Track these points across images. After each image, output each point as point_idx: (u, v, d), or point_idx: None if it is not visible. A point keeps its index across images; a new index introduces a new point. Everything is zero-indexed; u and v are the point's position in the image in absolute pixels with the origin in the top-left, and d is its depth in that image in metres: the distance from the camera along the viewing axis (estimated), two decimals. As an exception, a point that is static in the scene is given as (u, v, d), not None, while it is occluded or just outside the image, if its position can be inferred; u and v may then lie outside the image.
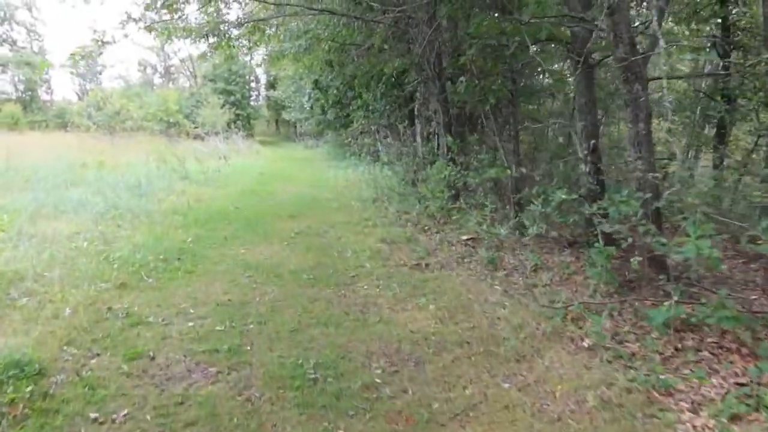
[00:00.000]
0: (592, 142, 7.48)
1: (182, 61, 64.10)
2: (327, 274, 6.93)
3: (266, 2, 11.12)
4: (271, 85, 47.47)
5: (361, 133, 22.47)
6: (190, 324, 5.14)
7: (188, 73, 62.90)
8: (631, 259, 5.05)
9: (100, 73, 66.76)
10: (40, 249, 7.36)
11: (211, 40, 12.11)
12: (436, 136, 13.99)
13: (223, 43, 11.96)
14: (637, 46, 5.92)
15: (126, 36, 8.92)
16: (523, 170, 7.79)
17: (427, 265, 7.29)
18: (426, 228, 9.71)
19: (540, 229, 6.79)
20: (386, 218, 10.71)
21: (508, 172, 7.98)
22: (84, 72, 66.13)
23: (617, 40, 5.65)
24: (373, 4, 10.55)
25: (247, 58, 52.08)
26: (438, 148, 12.94)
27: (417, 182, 13.44)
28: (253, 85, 52.06)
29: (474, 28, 7.64)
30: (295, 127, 50.27)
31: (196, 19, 11.15)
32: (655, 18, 4.86)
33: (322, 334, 5.01)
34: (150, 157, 18.21)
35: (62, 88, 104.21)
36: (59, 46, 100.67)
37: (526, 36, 6.78)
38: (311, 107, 25.69)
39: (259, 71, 55.38)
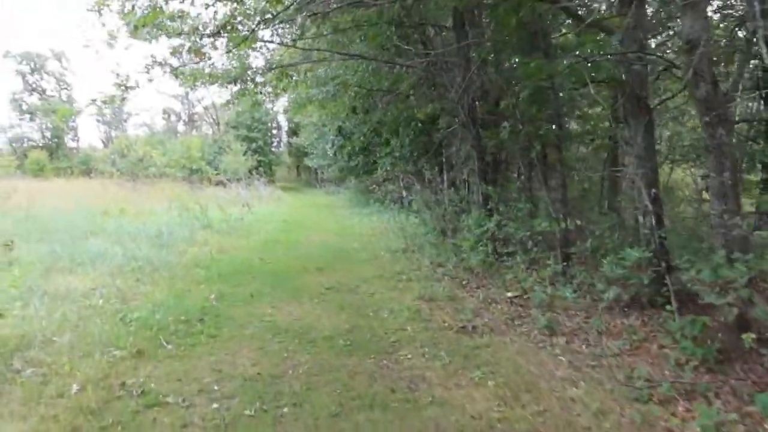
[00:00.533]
0: (653, 191, 6.76)
1: (206, 108, 64.92)
2: (365, 339, 6.17)
3: (296, 47, 10.70)
4: (293, 132, 47.61)
5: (385, 180, 21.99)
6: (215, 406, 4.39)
7: (211, 121, 63.63)
8: (744, 335, 4.25)
9: (126, 121, 67.85)
10: (51, 308, 6.74)
11: (237, 87, 11.72)
12: (467, 184, 13.36)
13: (250, 90, 11.54)
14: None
15: (150, 80, 8.50)
16: (578, 222, 7.05)
17: (474, 328, 6.51)
18: (465, 283, 8.95)
19: (616, 294, 6.01)
20: (420, 271, 9.98)
21: (562, 224, 7.24)
22: (110, 120, 67.23)
23: (697, 78, 4.98)
24: (407, 48, 10.06)
25: (270, 106, 52.58)
26: (469, 195, 12.28)
27: (449, 232, 12.75)
28: (274, 131, 52.28)
29: (522, 69, 7.05)
30: (316, 173, 50.19)
31: (222, 64, 10.77)
32: (765, 50, 4.16)
33: (368, 420, 4.22)
34: (172, 205, 17.78)
35: (89, 135, 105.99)
36: (87, 94, 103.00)
37: (583, 75, 6.14)
38: (335, 153, 25.30)
39: (281, 118, 55.92)
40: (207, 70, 10.63)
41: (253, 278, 9.42)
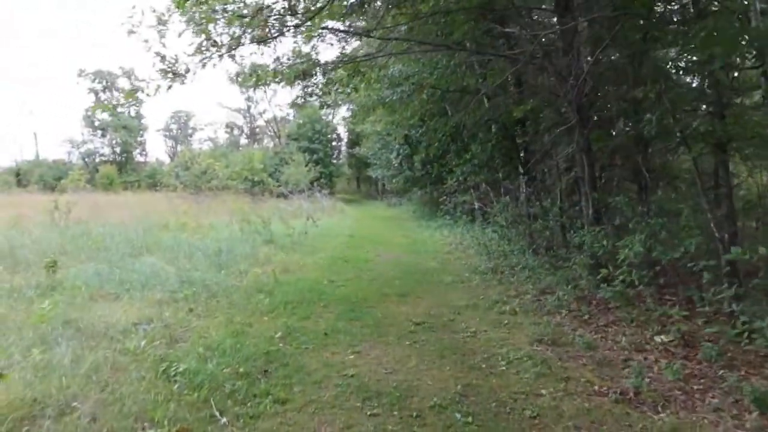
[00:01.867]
0: None
1: (267, 122, 64.79)
2: (489, 411, 4.34)
3: (371, 36, 9.06)
4: (354, 143, 46.30)
5: (455, 191, 20.17)
6: None
7: (272, 133, 63.32)
8: None
9: (191, 135, 68.50)
10: (80, 353, 5.22)
11: (303, 84, 10.15)
12: (560, 195, 11.38)
13: (319, 88, 9.97)
14: None
15: (203, 64, 6.98)
16: (764, 250, 5.05)
17: (638, 394, 4.59)
18: (587, 319, 7.03)
19: None
20: (523, 301, 8.11)
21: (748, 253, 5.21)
22: (176, 134, 68.00)
23: None
24: (509, 31, 8.25)
25: (330, 117, 51.62)
26: (569, 209, 10.31)
27: (542, 250, 10.79)
28: (334, 143, 51.16)
29: (693, 38, 5.15)
30: (376, 184, 48.75)
31: (288, 59, 9.22)
32: None
33: None
34: (233, 218, 16.45)
35: (156, 150, 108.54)
36: (155, 109, 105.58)
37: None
38: (400, 163, 23.66)
39: (341, 129, 54.88)
40: (271, 66, 9.11)
41: (325, 307, 7.77)
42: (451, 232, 17.78)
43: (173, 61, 6.89)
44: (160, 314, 6.69)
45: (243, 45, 7.05)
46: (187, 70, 6.94)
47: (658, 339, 5.92)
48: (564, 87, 8.49)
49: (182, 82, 7.09)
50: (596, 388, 4.75)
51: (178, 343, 5.87)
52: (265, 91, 54.97)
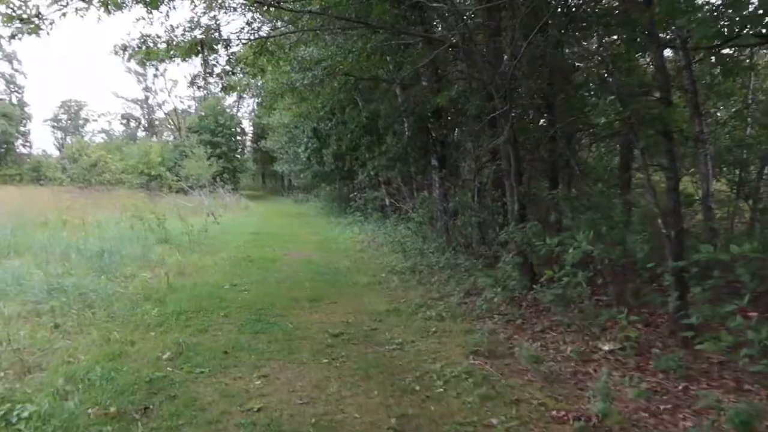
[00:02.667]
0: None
1: (167, 114, 61.31)
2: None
3: (283, 8, 7.93)
4: (260, 137, 44.33)
5: (365, 187, 19.36)
6: None
7: (173, 126, 59.96)
8: None
9: (83, 126, 63.54)
10: None
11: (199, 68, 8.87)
12: (477, 190, 10.77)
13: (223, 68, 8.72)
14: None
15: (63, 14, 5.55)
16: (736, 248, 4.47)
17: (601, 420, 3.85)
18: (523, 324, 6.33)
19: None
20: (449, 304, 7.31)
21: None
22: (65, 125, 62.89)
23: None
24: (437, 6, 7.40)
25: (235, 110, 49.36)
26: (491, 204, 9.69)
27: (460, 247, 10.12)
28: (239, 138, 48.80)
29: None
30: (283, 180, 47.13)
31: (185, 31, 7.90)
32: None
33: None
34: (124, 215, 14.67)
35: (43, 142, 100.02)
36: (42, 98, 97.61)
37: None
38: (308, 158, 22.47)
39: (246, 123, 52.72)
40: (163, 37, 7.78)
41: (225, 317, 6.61)
42: (362, 229, 16.89)
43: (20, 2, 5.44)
44: (12, 335, 5.26)
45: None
46: (38, 14, 5.50)
47: (604, 347, 5.28)
48: (492, 73, 7.78)
49: (34, 33, 5.61)
50: (553, 413, 3.96)
51: (32, 373, 4.54)
52: (156, 70, 51.73)
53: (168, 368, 4.76)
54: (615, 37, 7.37)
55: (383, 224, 16.34)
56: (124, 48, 8.51)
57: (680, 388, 4.36)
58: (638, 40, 5.74)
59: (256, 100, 34.46)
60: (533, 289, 6.97)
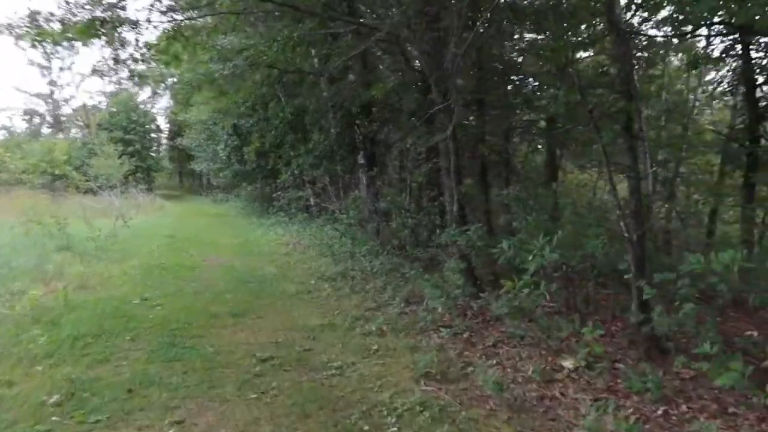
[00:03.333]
0: None
1: (75, 110, 57.15)
2: None
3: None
4: (176, 134, 41.98)
5: (289, 186, 18.42)
6: None
7: (81, 123, 56.02)
8: None
9: (-22, 122, 58.24)
10: None
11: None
12: (409, 189, 10.18)
13: (131, 54, 7.61)
14: None
15: None
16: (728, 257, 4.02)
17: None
18: (472, 338, 5.71)
19: None
20: (388, 316, 6.60)
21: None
22: (-42, 121, 57.53)
23: None
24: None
25: (150, 106, 46.63)
26: (428, 204, 9.09)
27: (401, 250, 9.47)
28: (153, 135, 46.04)
29: None
30: (201, 179, 44.98)
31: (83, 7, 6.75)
32: None
33: None
34: (18, 219, 13.00)
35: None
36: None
37: None
38: (228, 156, 21.21)
39: (161, 120, 49.97)
40: (57, 14, 6.61)
41: (132, 341, 5.59)
42: (287, 231, 15.92)
43: None
44: None
45: None
46: None
47: (566, 364, 4.73)
48: (431, 65, 7.14)
49: None
50: (530, 456, 3.35)
51: None
52: (62, 62, 48.13)
53: (54, 418, 3.77)
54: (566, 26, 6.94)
55: (309, 225, 15.45)
56: (10, 27, 7.25)
57: (660, 412, 3.87)
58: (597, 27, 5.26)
59: (172, 96, 32.44)
60: (479, 298, 6.42)
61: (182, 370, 4.75)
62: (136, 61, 8.20)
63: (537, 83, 8.98)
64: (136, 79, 8.92)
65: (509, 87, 9.70)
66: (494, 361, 5.00)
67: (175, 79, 16.90)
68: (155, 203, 26.84)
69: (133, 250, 11.89)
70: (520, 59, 9.39)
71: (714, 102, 14.61)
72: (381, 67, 10.77)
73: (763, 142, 10.81)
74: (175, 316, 6.54)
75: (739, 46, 10.99)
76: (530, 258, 4.67)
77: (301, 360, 5.11)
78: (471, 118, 9.68)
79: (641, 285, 4.64)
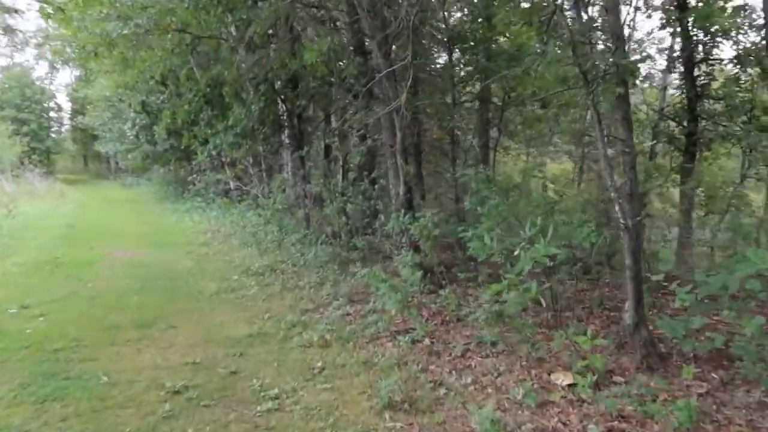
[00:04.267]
0: None
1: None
2: None
3: None
4: (78, 113, 38.40)
5: (206, 168, 16.77)
6: None
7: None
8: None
9: None
10: None
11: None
12: (344, 172, 9.08)
13: None
14: None
15: None
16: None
17: None
18: (435, 346, 4.70)
19: None
20: (328, 318, 5.49)
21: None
22: None
23: None
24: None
25: (47, 82, 42.52)
26: (355, 187, 8.00)
27: (336, 238, 8.33)
28: (53, 114, 41.97)
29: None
30: (108, 161, 41.54)
31: None
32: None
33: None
34: None
35: None
36: None
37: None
38: (136, 135, 19.17)
39: (62, 98, 45.78)
40: None
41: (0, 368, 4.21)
42: (204, 217, 14.38)
43: None
44: None
45: None
46: None
47: (560, 381, 3.82)
48: (373, 24, 6.02)
49: None
50: None
51: None
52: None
53: None
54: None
55: (229, 211, 13.95)
56: None
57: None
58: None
59: (74, 72, 29.38)
60: (437, 295, 5.44)
61: (60, 416, 3.45)
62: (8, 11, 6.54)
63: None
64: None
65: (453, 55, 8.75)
66: (469, 379, 4.02)
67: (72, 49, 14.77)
68: (55, 189, 24.12)
69: (21, 243, 10.10)
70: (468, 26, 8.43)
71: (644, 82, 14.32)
72: (307, 35, 9.50)
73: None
74: (61, 330, 5.14)
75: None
76: (518, 252, 3.69)
77: (225, 389, 3.93)
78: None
79: (645, 279, 3.79)
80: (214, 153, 13.80)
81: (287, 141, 11.71)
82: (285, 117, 10.75)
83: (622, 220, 4.00)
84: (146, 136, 18.57)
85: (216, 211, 14.71)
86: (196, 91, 10.51)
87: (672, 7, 10.19)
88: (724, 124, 10.00)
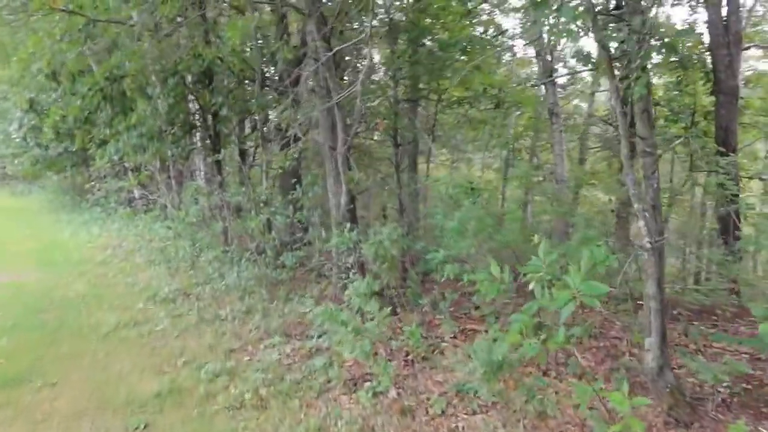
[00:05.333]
0: None
1: None
2: None
3: None
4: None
5: (106, 175, 14.91)
6: None
7: None
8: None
9: None
10: None
11: None
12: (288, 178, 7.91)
13: None
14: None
15: None
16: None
17: None
18: (405, 400, 3.66)
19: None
20: (265, 364, 4.30)
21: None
22: None
23: None
24: None
25: None
26: (305, 197, 6.82)
27: (261, 255, 7.08)
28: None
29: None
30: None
31: None
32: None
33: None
34: None
35: None
36: None
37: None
38: (24, 138, 16.82)
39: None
40: None
41: None
42: (104, 230, 12.57)
43: None
44: None
45: None
46: None
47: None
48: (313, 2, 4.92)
49: None
50: None
51: None
52: None
53: None
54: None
55: (133, 223, 12.28)
56: None
57: None
58: None
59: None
60: (400, 329, 4.43)
61: None
62: None
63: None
64: None
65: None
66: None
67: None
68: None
69: None
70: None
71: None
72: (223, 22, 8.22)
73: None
74: None
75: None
76: (535, 286, 2.66)
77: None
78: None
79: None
80: (115, 157, 12.05)
81: (200, 144, 10.31)
82: (198, 116, 9.38)
83: (648, 239, 3.15)
84: (35, 138, 16.29)
85: (118, 222, 12.96)
86: (92, 84, 8.87)
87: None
88: (665, 129, 9.72)
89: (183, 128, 9.45)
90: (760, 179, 8.73)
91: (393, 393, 3.70)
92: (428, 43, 6.83)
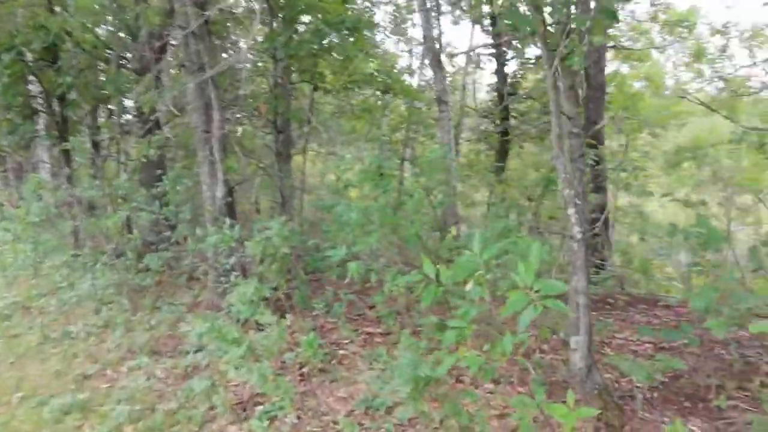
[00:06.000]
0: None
1: None
2: None
3: None
4: None
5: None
6: None
7: None
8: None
9: None
10: None
11: None
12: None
13: None
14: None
15: None
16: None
17: None
18: (303, 426, 3.08)
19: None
20: (129, 390, 3.51)
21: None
22: None
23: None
24: None
25: None
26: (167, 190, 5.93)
27: (119, 256, 6.06)
28: None
29: None
30: None
31: None
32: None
33: None
34: None
35: None
36: None
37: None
38: None
39: None
40: None
41: None
42: None
43: None
44: None
45: None
46: None
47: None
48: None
49: None
50: None
51: None
52: None
53: None
54: None
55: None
56: None
57: None
58: None
59: None
60: (292, 340, 3.86)
61: None
62: None
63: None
64: None
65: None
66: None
67: None
68: None
69: None
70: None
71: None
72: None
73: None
74: None
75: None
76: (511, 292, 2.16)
77: None
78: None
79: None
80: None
81: (44, 132, 8.86)
82: (41, 100, 8.02)
83: (578, 229, 2.86)
84: None
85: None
86: None
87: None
88: (533, 123, 9.95)
89: (22, 113, 8.02)
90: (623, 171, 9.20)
91: (292, 417, 3.12)
92: (311, 20, 6.24)
